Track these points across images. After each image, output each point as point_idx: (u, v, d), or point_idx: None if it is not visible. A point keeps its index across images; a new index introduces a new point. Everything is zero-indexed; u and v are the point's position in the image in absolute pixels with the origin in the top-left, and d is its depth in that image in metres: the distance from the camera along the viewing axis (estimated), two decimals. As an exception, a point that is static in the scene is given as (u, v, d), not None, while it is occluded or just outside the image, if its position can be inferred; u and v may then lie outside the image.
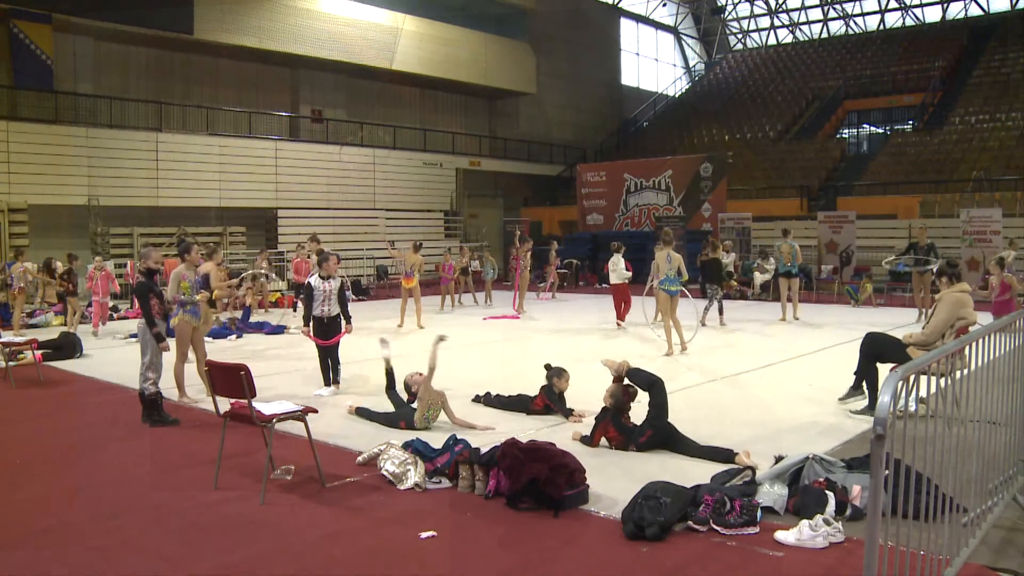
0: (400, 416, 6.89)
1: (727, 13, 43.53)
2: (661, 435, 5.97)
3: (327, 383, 8.41)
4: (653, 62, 42.93)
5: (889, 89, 32.39)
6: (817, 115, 32.88)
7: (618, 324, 13.85)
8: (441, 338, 6.97)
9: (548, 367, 7.40)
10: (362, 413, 7.22)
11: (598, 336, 12.96)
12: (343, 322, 8.51)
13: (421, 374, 6.84)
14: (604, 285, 22.93)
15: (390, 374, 7.42)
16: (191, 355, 8.11)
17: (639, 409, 6.25)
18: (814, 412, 7.31)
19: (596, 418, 6.26)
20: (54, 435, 6.87)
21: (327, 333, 8.39)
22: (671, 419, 6.11)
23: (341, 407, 7.47)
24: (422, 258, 15.05)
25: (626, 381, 6.24)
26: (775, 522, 4.51)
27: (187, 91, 25.00)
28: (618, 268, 13.75)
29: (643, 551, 4.19)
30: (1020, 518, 4.47)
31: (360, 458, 5.80)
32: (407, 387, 6.98)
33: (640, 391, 6.26)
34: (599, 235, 26.71)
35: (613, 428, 6.07)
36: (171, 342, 7.74)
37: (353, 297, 12.47)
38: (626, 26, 40.81)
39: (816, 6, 40.92)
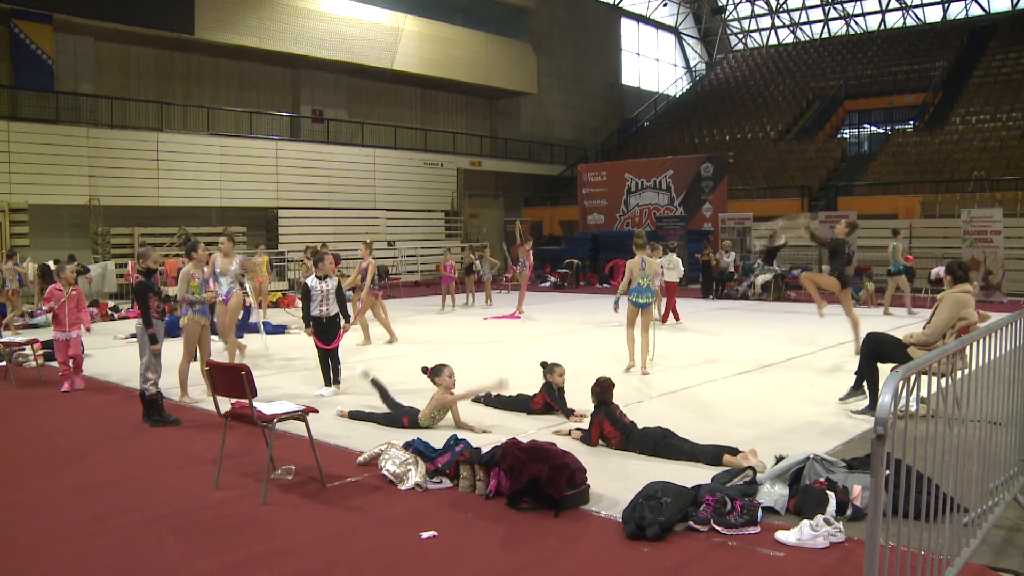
0: (404, 413, 6.90)
1: (728, 13, 43.55)
2: (637, 441, 5.98)
3: (327, 383, 8.42)
4: (654, 62, 42.94)
5: (890, 89, 32.39)
6: (818, 115, 32.89)
7: (675, 320, 14.36)
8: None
9: (544, 364, 7.40)
10: (356, 416, 7.21)
11: (598, 336, 12.95)
12: (342, 321, 8.53)
13: (452, 393, 6.77)
14: (604, 285, 23.00)
15: (381, 387, 7.29)
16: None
17: (640, 409, 6.25)
18: (815, 412, 7.30)
19: (591, 416, 6.27)
20: (54, 435, 6.87)
21: (326, 334, 8.39)
22: (671, 420, 6.11)
23: (342, 408, 7.46)
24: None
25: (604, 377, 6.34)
26: (776, 522, 4.51)
27: (188, 91, 25.03)
28: (677, 266, 14.30)
29: (644, 551, 4.18)
30: (1021, 518, 4.47)
31: (361, 458, 5.80)
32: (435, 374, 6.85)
33: (614, 383, 6.34)
34: (600, 235, 26.72)
35: (608, 423, 6.07)
36: (176, 342, 7.73)
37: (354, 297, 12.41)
38: (627, 26, 40.82)
39: (817, 6, 40.94)
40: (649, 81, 42.22)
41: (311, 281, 8.43)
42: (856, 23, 40.23)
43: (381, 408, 7.22)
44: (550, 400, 7.21)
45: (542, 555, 4.17)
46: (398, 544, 4.34)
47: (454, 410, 6.78)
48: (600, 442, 6.11)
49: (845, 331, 12.78)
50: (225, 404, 5.50)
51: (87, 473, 5.72)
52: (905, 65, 33.09)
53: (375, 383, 7.31)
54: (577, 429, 6.45)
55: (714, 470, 5.30)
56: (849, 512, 4.54)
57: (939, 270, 16.46)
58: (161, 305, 7.48)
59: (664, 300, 14.15)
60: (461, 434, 6.05)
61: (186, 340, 8.02)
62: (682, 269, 14.71)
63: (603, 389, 6.19)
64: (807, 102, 34.15)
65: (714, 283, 19.78)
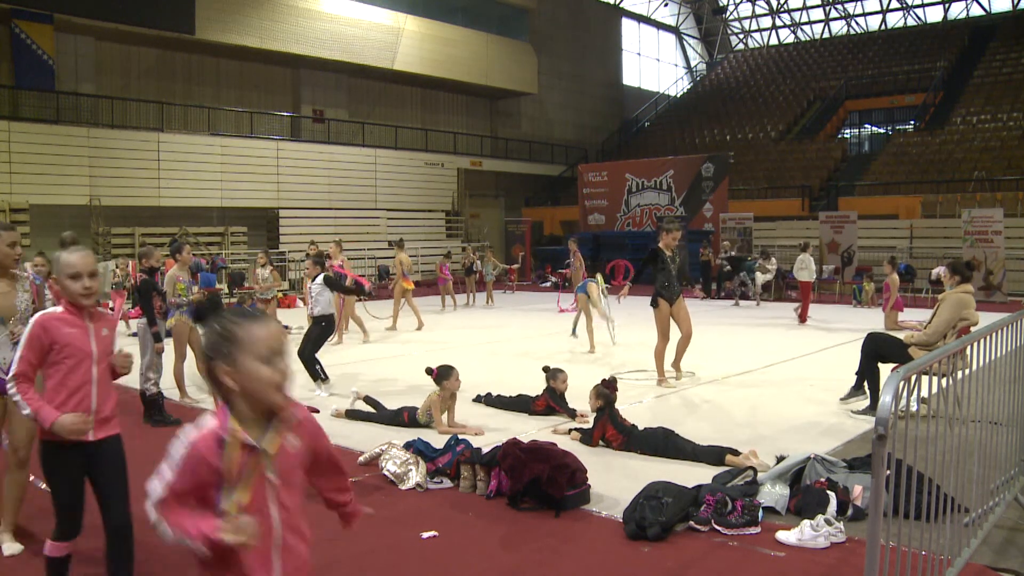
0: (404, 409, 6.93)
1: (729, 13, 43.52)
2: (639, 442, 5.98)
3: (315, 379, 8.40)
4: (655, 62, 42.93)
5: (890, 89, 32.36)
6: (819, 115, 32.87)
7: (802, 321, 14.48)
8: None
9: (546, 369, 7.39)
10: (354, 415, 7.21)
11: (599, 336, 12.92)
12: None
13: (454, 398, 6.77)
14: (605, 285, 22.96)
15: (374, 403, 7.28)
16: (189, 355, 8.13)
17: (640, 409, 6.25)
18: (815, 412, 7.30)
19: (594, 418, 6.27)
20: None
21: None
22: (671, 419, 6.11)
23: (338, 407, 7.45)
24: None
25: (609, 376, 6.36)
26: (777, 522, 4.51)
27: (189, 91, 25.02)
28: (808, 266, 14.71)
29: (644, 551, 4.19)
30: (1021, 518, 4.47)
31: (361, 458, 5.79)
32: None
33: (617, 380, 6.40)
34: (601, 235, 26.70)
35: (611, 426, 6.07)
36: (168, 343, 7.75)
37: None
38: (627, 26, 40.81)
39: (818, 6, 40.91)
40: (650, 81, 42.20)
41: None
42: (857, 23, 40.22)
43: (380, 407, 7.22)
44: (553, 403, 7.21)
45: (543, 555, 4.17)
46: (399, 544, 4.34)
47: (449, 413, 6.75)
48: (600, 443, 6.12)
49: (845, 332, 12.80)
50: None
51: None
52: (906, 65, 33.07)
53: (357, 412, 7.25)
54: (576, 430, 6.44)
55: (715, 470, 5.30)
56: (850, 512, 4.53)
57: (940, 270, 16.43)
58: (164, 304, 7.52)
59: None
60: (462, 434, 6.05)
61: (176, 342, 8.07)
62: (814, 268, 14.91)
63: (611, 389, 6.20)
64: (808, 102, 34.13)
65: (713, 283, 19.78)
